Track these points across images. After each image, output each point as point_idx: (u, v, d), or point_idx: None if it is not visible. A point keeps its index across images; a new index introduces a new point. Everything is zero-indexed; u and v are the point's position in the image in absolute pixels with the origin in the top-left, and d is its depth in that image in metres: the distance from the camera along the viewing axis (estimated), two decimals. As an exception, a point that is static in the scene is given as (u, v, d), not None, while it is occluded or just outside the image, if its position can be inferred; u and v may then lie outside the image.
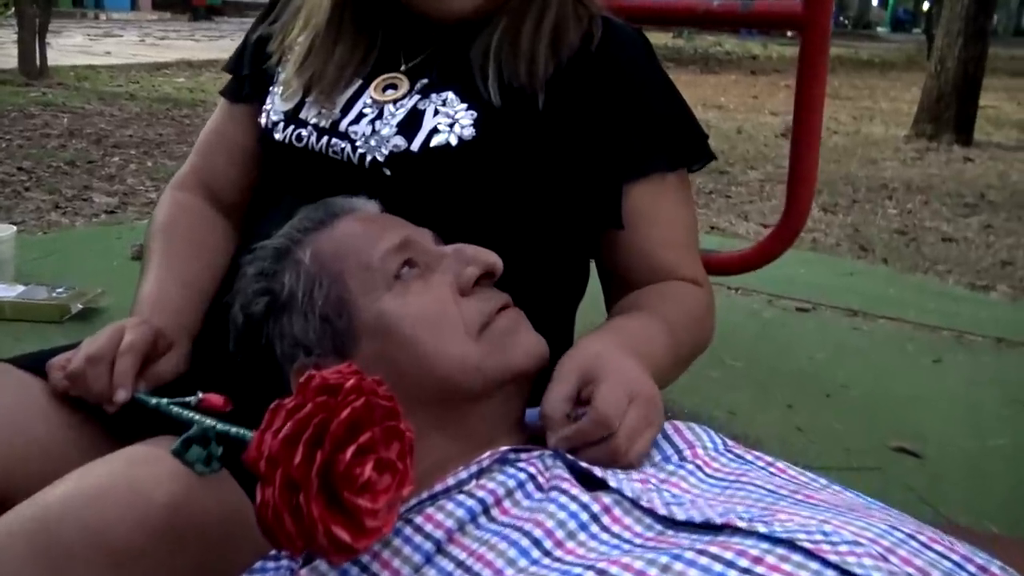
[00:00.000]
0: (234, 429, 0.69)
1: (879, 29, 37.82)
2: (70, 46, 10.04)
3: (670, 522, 0.62)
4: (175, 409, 0.74)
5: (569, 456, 0.69)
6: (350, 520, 0.59)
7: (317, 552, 0.61)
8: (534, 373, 0.74)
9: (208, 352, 0.88)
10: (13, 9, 7.00)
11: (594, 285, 0.99)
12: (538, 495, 0.65)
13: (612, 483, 0.65)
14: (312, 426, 0.59)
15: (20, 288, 2.04)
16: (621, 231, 0.88)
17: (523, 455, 0.69)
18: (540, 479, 0.67)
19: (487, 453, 0.68)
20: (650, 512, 0.63)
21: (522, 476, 0.67)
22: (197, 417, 0.72)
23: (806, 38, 1.27)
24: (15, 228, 2.26)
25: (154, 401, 0.76)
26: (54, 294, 2.02)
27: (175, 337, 0.86)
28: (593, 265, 0.99)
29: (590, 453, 0.68)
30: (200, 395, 0.74)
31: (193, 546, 0.68)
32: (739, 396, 1.78)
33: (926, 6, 19.08)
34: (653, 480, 0.67)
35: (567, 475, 0.66)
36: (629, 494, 0.64)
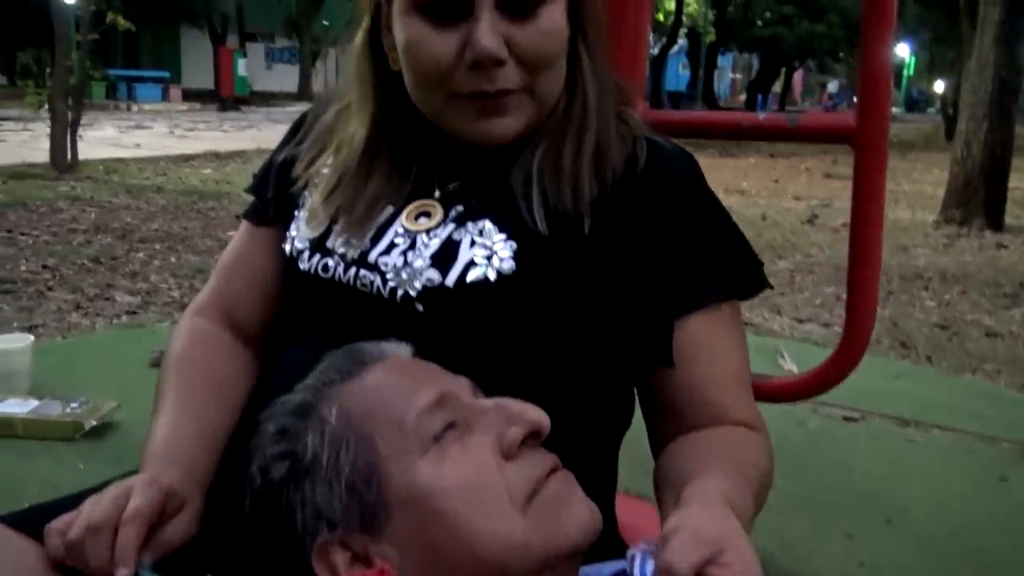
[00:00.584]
0: None
1: (893, 110, 38.32)
2: (101, 138, 10.31)
3: None
4: None
5: None
6: None
7: None
8: (587, 547, 0.66)
9: (221, 506, 0.80)
10: (47, 106, 7.18)
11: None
12: None
13: None
14: None
15: (34, 403, 1.99)
16: (676, 366, 0.81)
17: None
18: None
19: None
20: None
21: None
22: None
23: (861, 155, 1.20)
24: (32, 338, 2.21)
25: None
26: (68, 409, 1.96)
27: (187, 494, 0.79)
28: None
29: None
30: None
31: None
32: (793, 524, 1.66)
33: (939, 86, 19.31)
34: None
35: None
36: None
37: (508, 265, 0.79)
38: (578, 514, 0.65)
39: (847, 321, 1.28)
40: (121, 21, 6.82)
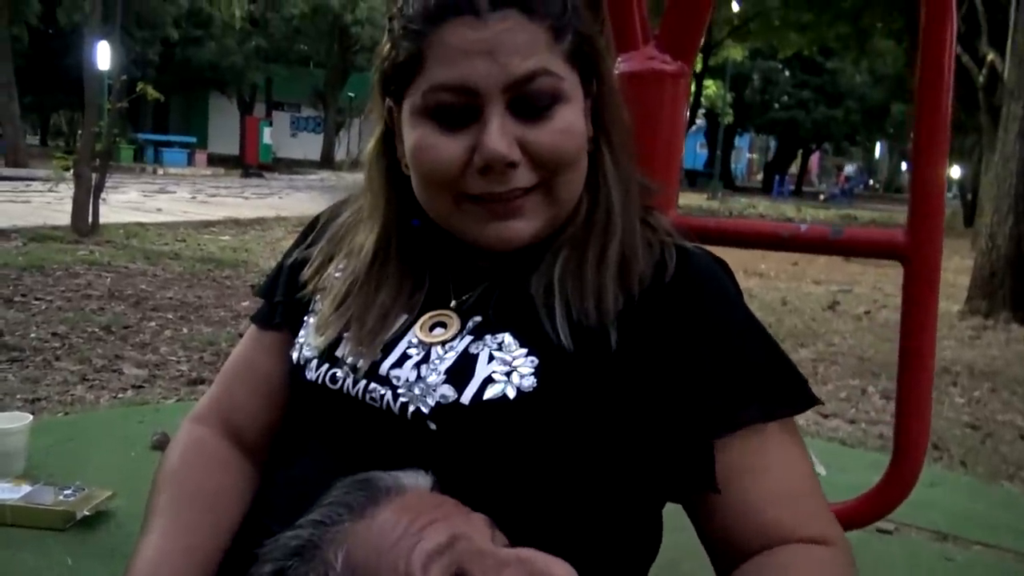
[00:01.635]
0: None
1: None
2: (124, 202, 10.43)
3: None
4: None
5: None
6: None
7: None
8: None
9: None
10: (72, 171, 7.29)
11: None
12: None
13: None
14: None
15: (26, 489, 1.90)
16: (723, 490, 0.75)
17: None
18: None
19: None
20: None
21: None
22: None
23: (911, 271, 1.12)
24: (30, 418, 2.14)
25: None
26: (61, 496, 1.87)
27: None
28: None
29: None
30: None
31: None
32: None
33: (955, 171, 19.44)
34: None
35: None
36: None
37: (529, 382, 0.73)
38: None
39: (896, 447, 1.19)
40: (151, 92, 6.95)
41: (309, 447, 0.82)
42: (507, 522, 0.67)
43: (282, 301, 0.91)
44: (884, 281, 7.49)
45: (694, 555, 0.83)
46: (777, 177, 28.34)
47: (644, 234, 0.81)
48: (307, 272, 0.88)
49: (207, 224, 9.08)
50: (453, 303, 0.81)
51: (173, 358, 3.67)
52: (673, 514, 0.83)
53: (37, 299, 4.62)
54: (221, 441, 0.90)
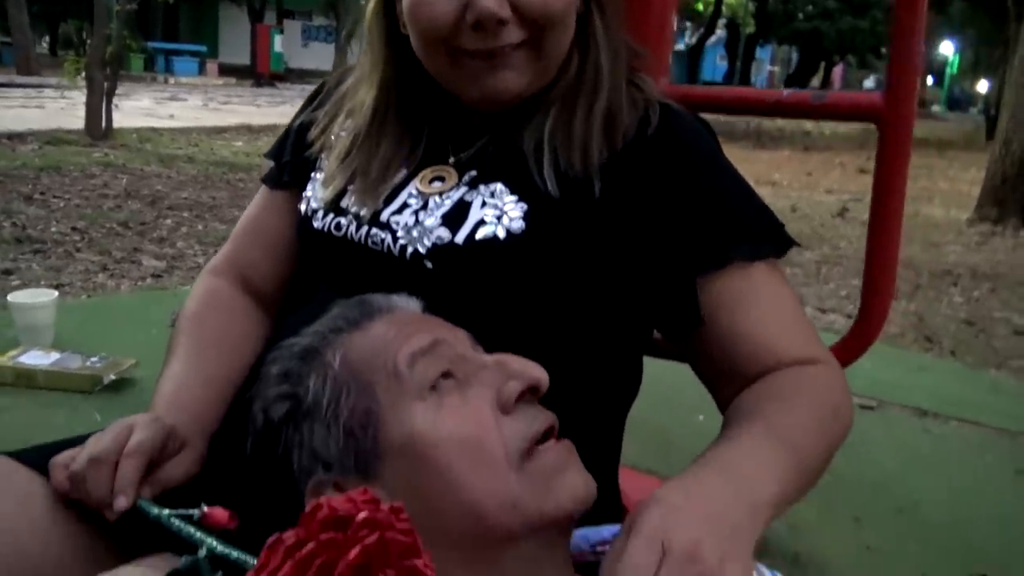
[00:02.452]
0: (235, 553, 0.65)
1: (934, 108, 37.60)
2: (136, 108, 10.41)
3: None
4: (176, 523, 0.70)
5: None
6: None
7: None
8: (578, 516, 0.65)
9: (225, 451, 0.82)
10: (84, 74, 7.27)
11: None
12: None
13: None
14: (315, 568, 0.52)
15: (55, 356, 2.02)
16: (711, 323, 0.79)
17: None
18: None
19: None
20: None
21: None
22: (198, 534, 0.68)
23: (887, 133, 1.17)
24: (56, 294, 2.25)
25: (155, 512, 0.72)
26: (88, 363, 2.00)
27: (189, 437, 0.81)
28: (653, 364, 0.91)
29: None
30: (204, 508, 0.70)
31: None
32: (802, 507, 1.63)
33: (982, 85, 18.89)
34: None
35: None
36: None
37: (518, 225, 0.79)
38: (573, 482, 0.65)
39: (863, 302, 1.26)
40: (159, -9, 6.84)
41: (317, 293, 0.88)
42: (494, 352, 0.72)
43: (290, 161, 0.96)
44: (897, 191, 7.44)
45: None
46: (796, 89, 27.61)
47: (630, 93, 0.85)
48: (314, 132, 0.93)
49: (220, 130, 9.07)
50: (451, 159, 0.86)
51: (189, 251, 3.77)
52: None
53: (55, 197, 4.71)
54: (236, 291, 0.97)
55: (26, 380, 1.96)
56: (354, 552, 0.52)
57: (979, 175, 6.79)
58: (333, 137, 0.91)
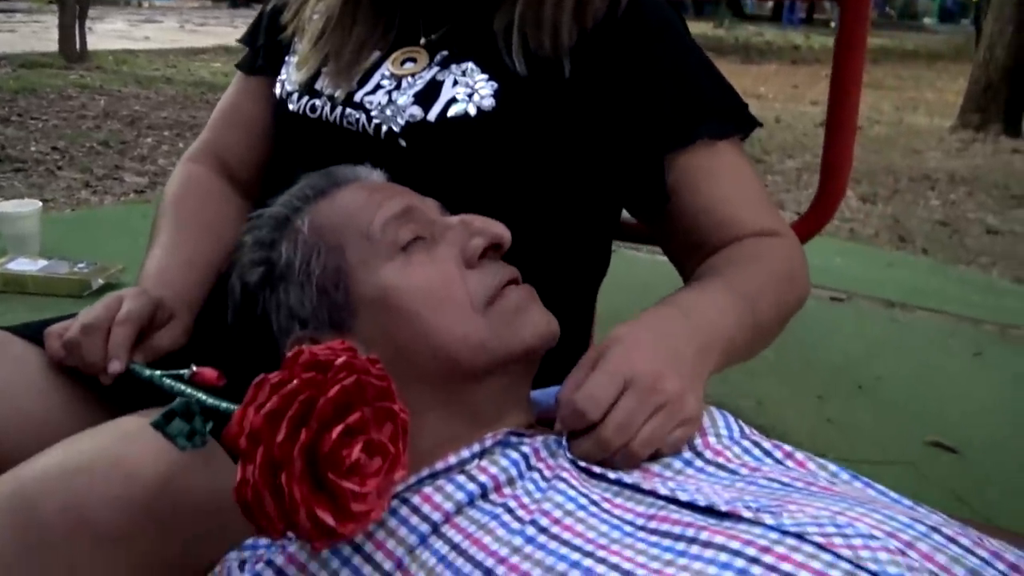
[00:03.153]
0: (224, 404, 0.67)
1: (926, 20, 36.91)
2: (110, 31, 10.15)
3: (672, 501, 0.58)
4: (168, 381, 0.73)
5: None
6: (335, 503, 0.56)
7: (299, 535, 0.57)
8: (542, 352, 0.70)
9: (210, 327, 0.85)
10: (54, -6, 7.07)
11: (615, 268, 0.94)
12: (543, 485, 0.62)
13: (611, 475, 0.62)
14: (298, 403, 0.56)
15: (43, 263, 2.06)
16: (677, 198, 0.82)
17: (526, 439, 0.65)
18: (544, 469, 0.63)
19: (489, 434, 0.65)
20: (652, 493, 0.60)
21: (525, 464, 0.64)
22: (188, 390, 0.70)
23: (845, 6, 1.20)
24: (40, 204, 2.27)
25: (147, 372, 0.75)
26: (76, 268, 2.03)
27: (175, 309, 0.84)
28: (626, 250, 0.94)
29: (580, 446, 0.64)
30: (194, 368, 0.72)
31: (181, 525, 0.65)
32: (768, 386, 1.72)
33: (975, -6, 18.50)
34: (658, 479, 0.63)
35: (569, 466, 0.63)
36: (629, 481, 0.61)
37: (489, 102, 0.80)
38: (535, 320, 0.69)
39: (822, 174, 1.30)
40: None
41: (294, 175, 0.87)
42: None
43: (264, 44, 0.97)
44: (882, 101, 7.41)
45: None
46: (788, 3, 27.08)
47: None
48: (287, 15, 0.94)
49: (197, 52, 8.87)
50: (423, 41, 0.87)
51: (171, 168, 3.74)
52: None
53: (33, 119, 4.65)
54: (214, 175, 0.98)
55: (16, 286, 2.00)
56: (333, 390, 0.56)
57: (964, 86, 6.76)
58: (306, 19, 0.92)
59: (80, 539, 0.62)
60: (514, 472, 0.63)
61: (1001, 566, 0.53)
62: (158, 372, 0.73)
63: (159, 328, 0.81)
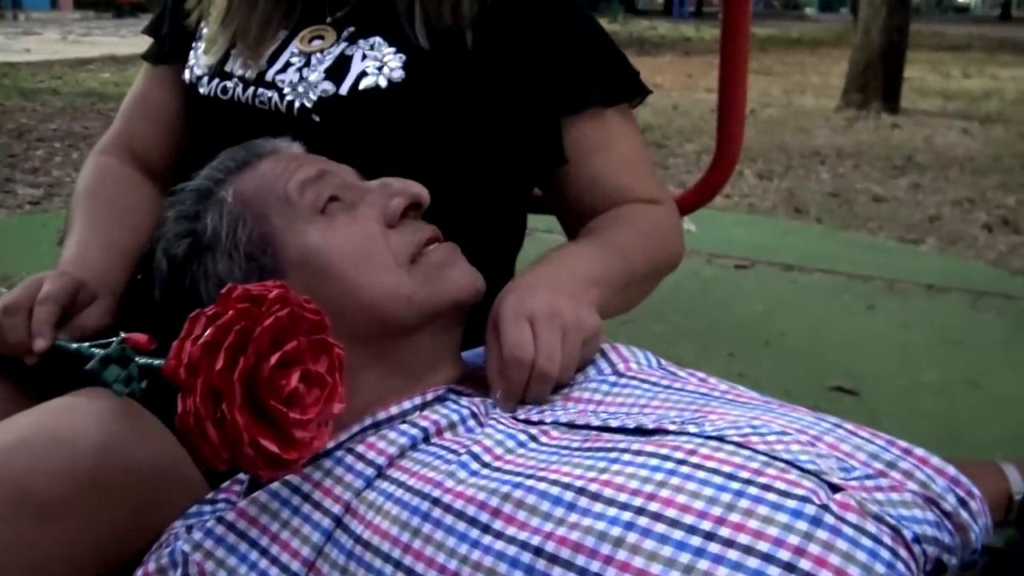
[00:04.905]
0: (157, 361, 0.65)
1: (808, 10, 38.60)
2: (-14, 45, 9.63)
3: (604, 429, 0.63)
4: (96, 351, 0.69)
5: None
6: (277, 431, 0.58)
7: (245, 467, 0.59)
8: (468, 305, 0.73)
9: (134, 310, 0.84)
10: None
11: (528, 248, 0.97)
12: (476, 426, 0.66)
13: (548, 418, 0.66)
14: (234, 333, 0.57)
15: (-61, 276, 1.96)
16: (567, 165, 0.87)
17: (465, 396, 0.69)
18: (480, 417, 0.67)
19: (431, 390, 0.68)
20: (585, 427, 0.64)
21: (464, 412, 0.67)
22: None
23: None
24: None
25: (74, 346, 0.73)
26: (-24, 280, 1.95)
27: (98, 291, 0.82)
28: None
29: (529, 393, 0.68)
30: (123, 335, 0.69)
31: (123, 494, 0.65)
32: (681, 348, 1.80)
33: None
34: (590, 407, 0.68)
35: (506, 417, 0.67)
36: (564, 420, 0.65)
37: (398, 74, 0.82)
38: (460, 273, 0.72)
39: (718, 135, 1.36)
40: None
41: (207, 160, 0.86)
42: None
43: (169, 33, 0.97)
44: (772, 86, 7.73)
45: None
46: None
47: None
48: (190, 1, 0.94)
49: (83, 62, 8.51)
50: (328, 19, 0.88)
51: (68, 179, 3.62)
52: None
53: (-91, 136, 4.40)
54: (125, 166, 0.96)
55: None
56: (268, 321, 0.57)
57: (848, 68, 7.13)
58: (209, 3, 0.92)
59: (24, 514, 0.62)
60: (455, 418, 0.66)
61: (896, 450, 0.60)
62: (86, 344, 0.71)
63: (83, 308, 0.80)
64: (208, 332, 0.58)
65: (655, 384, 0.69)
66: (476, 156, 0.88)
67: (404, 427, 0.65)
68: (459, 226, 0.79)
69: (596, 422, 0.64)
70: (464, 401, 0.68)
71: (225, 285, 0.69)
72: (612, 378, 0.70)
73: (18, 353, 0.75)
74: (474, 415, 0.67)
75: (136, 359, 0.65)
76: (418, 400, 0.67)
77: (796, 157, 4.53)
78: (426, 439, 0.64)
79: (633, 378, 0.70)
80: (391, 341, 0.70)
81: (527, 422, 0.66)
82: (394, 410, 0.67)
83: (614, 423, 0.63)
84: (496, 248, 0.95)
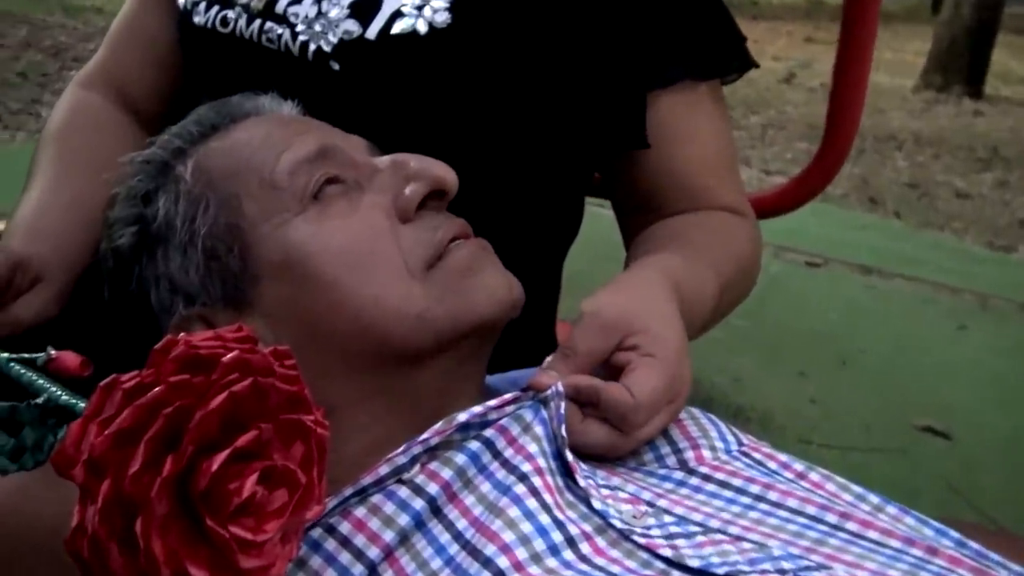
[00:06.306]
0: (82, 404, 0.52)
1: (881, -20, 37.59)
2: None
3: (679, 567, 0.46)
4: (16, 368, 0.57)
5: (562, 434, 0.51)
6: (217, 558, 0.40)
7: None
8: (501, 325, 0.55)
9: (94, 293, 0.68)
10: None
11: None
12: (500, 474, 0.49)
13: (596, 503, 0.49)
14: (163, 417, 0.39)
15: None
16: (646, 151, 0.73)
17: (490, 417, 0.50)
18: (505, 449, 0.50)
19: (433, 428, 0.49)
20: (648, 549, 0.47)
21: (489, 453, 0.49)
22: (41, 381, 0.55)
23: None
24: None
25: None
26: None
27: (45, 271, 0.69)
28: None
29: (589, 431, 0.53)
30: (52, 352, 0.57)
31: (24, 563, 0.52)
32: (745, 360, 1.61)
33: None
34: (646, 494, 0.51)
35: (539, 449, 0.50)
36: (618, 525, 0.48)
37: (443, 17, 0.67)
38: (491, 283, 0.54)
39: (826, 134, 1.19)
40: None
41: (200, 104, 0.73)
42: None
43: None
44: (843, 59, 7.43)
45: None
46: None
47: None
48: None
49: (132, -19, 8.45)
50: None
51: (96, 105, 3.51)
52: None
53: (-56, 46, 4.32)
54: (109, 105, 0.83)
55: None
56: (218, 399, 0.40)
57: (923, 46, 6.86)
58: None
59: None
60: (472, 471, 0.49)
61: None
62: (5, 355, 0.58)
63: (19, 295, 0.67)
64: (124, 415, 0.40)
65: (740, 491, 0.52)
66: (532, 130, 0.71)
67: (404, 494, 0.47)
68: (500, 219, 0.66)
69: (664, 549, 0.46)
70: (488, 428, 0.50)
71: (179, 289, 0.54)
72: (679, 475, 0.53)
73: None
74: (497, 451, 0.49)
75: (37, 416, 0.51)
76: (417, 449, 0.49)
77: (870, 140, 4.29)
78: (436, 511, 0.47)
79: (708, 478, 0.53)
80: (393, 372, 0.53)
81: (568, 475, 0.50)
82: (383, 469, 0.48)
83: (693, 561, 0.45)
84: (544, 246, 0.80)
